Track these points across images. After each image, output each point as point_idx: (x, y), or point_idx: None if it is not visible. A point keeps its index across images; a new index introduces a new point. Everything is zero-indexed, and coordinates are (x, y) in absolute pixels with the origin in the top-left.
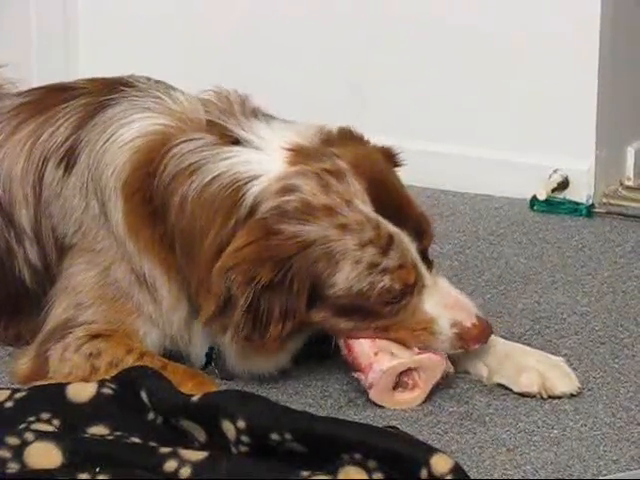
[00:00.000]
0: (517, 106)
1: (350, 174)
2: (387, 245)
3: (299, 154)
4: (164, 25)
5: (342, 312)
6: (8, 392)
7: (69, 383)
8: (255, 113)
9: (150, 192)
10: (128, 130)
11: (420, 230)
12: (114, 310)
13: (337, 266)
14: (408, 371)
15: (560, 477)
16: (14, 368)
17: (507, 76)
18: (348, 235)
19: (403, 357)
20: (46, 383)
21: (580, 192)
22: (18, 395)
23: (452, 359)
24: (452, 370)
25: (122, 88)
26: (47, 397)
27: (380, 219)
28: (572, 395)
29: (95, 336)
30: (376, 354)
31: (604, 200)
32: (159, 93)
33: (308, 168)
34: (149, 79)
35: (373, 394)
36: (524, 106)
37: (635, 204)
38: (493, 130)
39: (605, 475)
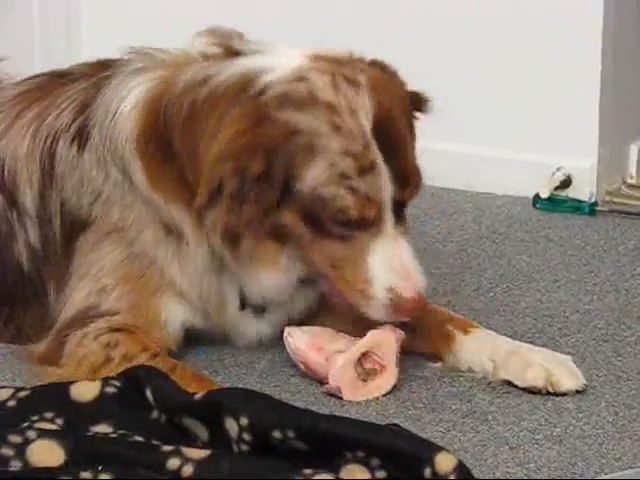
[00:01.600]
0: (520, 104)
1: (365, 90)
2: (366, 168)
3: (320, 57)
4: (167, 24)
5: (305, 217)
6: (11, 391)
7: (73, 383)
8: (250, 40)
9: (160, 135)
10: (128, 99)
11: (406, 180)
12: (138, 291)
13: (313, 161)
14: (365, 357)
15: (563, 475)
16: (31, 350)
17: (510, 74)
18: (336, 137)
19: (348, 347)
20: (49, 383)
21: (583, 190)
22: (21, 394)
23: (457, 355)
24: (403, 334)
25: (112, 65)
26: (50, 397)
27: (373, 143)
28: (577, 392)
29: (116, 329)
30: (327, 360)
31: (607, 198)
32: (143, 56)
33: (327, 66)
34: (134, 49)
35: (345, 395)
36: (527, 104)
37: (638, 202)
38: (495, 128)
39: (607, 473)
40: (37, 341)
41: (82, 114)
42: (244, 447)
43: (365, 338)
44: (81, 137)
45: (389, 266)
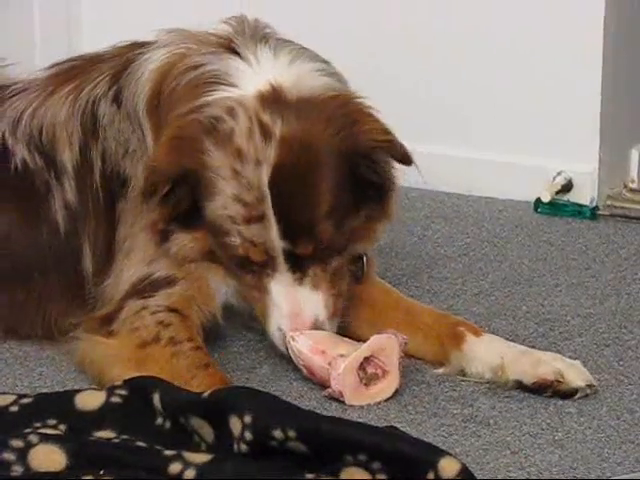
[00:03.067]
0: (521, 109)
1: (275, 142)
2: (254, 219)
3: (265, 96)
4: (167, 23)
5: (218, 242)
6: (14, 397)
7: (78, 392)
8: (265, 38)
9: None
10: (153, 63)
11: (298, 236)
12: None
13: (211, 197)
14: (367, 362)
15: (564, 479)
16: (89, 316)
17: (511, 79)
18: (233, 182)
19: (350, 351)
20: (53, 392)
21: (584, 194)
22: (24, 401)
23: (467, 355)
24: (406, 339)
25: (147, 44)
26: (54, 404)
27: (267, 196)
28: (581, 396)
29: (173, 309)
30: (329, 364)
31: (608, 202)
32: (172, 33)
33: (255, 107)
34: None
35: (348, 399)
36: (528, 109)
37: (639, 206)
38: (497, 133)
39: (609, 477)
40: (68, 328)
41: (116, 83)
42: (243, 447)
43: (368, 343)
44: (118, 100)
45: (278, 308)
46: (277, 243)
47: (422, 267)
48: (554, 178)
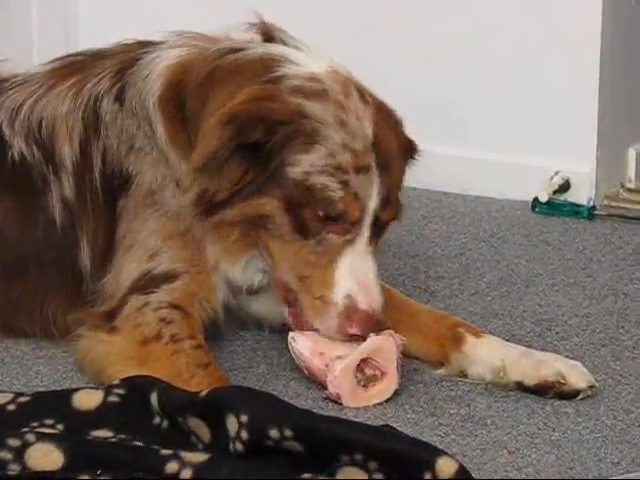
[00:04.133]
0: (518, 108)
1: (371, 108)
2: (363, 169)
3: (340, 71)
4: (165, 22)
5: (288, 207)
6: (11, 395)
7: (76, 391)
8: (294, 38)
9: (183, 95)
10: (165, 61)
11: (389, 201)
12: (187, 246)
13: (312, 147)
14: (365, 363)
15: (561, 479)
16: (90, 311)
17: (509, 79)
18: (341, 131)
19: (347, 353)
20: (50, 390)
21: (581, 194)
22: (21, 399)
23: (467, 356)
24: (404, 340)
25: (153, 43)
26: (51, 403)
27: (372, 149)
28: (587, 396)
29: (175, 306)
30: (327, 366)
31: (605, 202)
32: (183, 35)
33: (343, 78)
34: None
35: (345, 401)
36: (526, 108)
37: (636, 206)
38: (494, 132)
39: (606, 477)
40: (67, 321)
41: (120, 80)
42: (239, 446)
43: (365, 344)
44: (121, 97)
45: (354, 275)
46: (374, 201)
47: (419, 266)
48: (551, 178)
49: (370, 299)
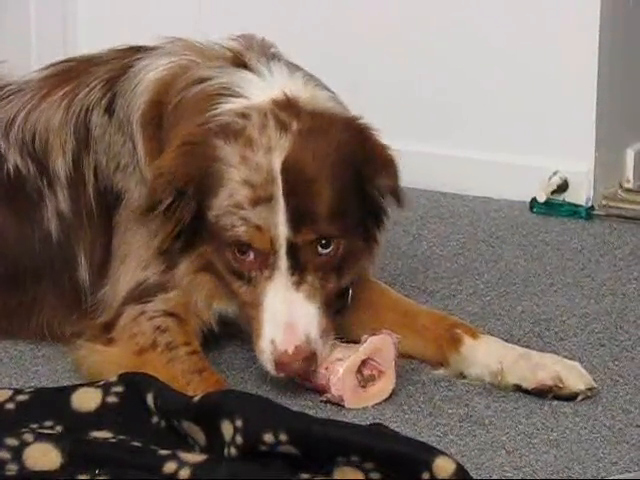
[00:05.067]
0: (517, 109)
1: (291, 134)
2: (261, 200)
3: (283, 100)
4: (163, 23)
5: (218, 252)
6: (9, 393)
7: (74, 390)
8: (275, 56)
9: (163, 116)
10: (153, 72)
11: (302, 221)
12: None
13: (218, 190)
14: (364, 364)
15: (559, 479)
16: (88, 323)
17: (506, 78)
18: (241, 168)
19: (348, 354)
20: (49, 387)
21: (579, 194)
22: (20, 398)
23: (465, 358)
24: (399, 338)
25: (142, 50)
26: (50, 404)
27: (278, 179)
28: (587, 397)
29: (170, 314)
30: (327, 369)
31: (603, 202)
32: (175, 42)
33: (269, 107)
34: (168, 37)
35: (347, 403)
36: (524, 108)
37: (634, 206)
38: (492, 132)
39: (604, 477)
40: (63, 330)
41: (110, 89)
42: (233, 451)
43: (365, 345)
44: (110, 109)
45: (273, 316)
46: (282, 229)
47: (417, 267)
48: (550, 178)
49: (290, 339)
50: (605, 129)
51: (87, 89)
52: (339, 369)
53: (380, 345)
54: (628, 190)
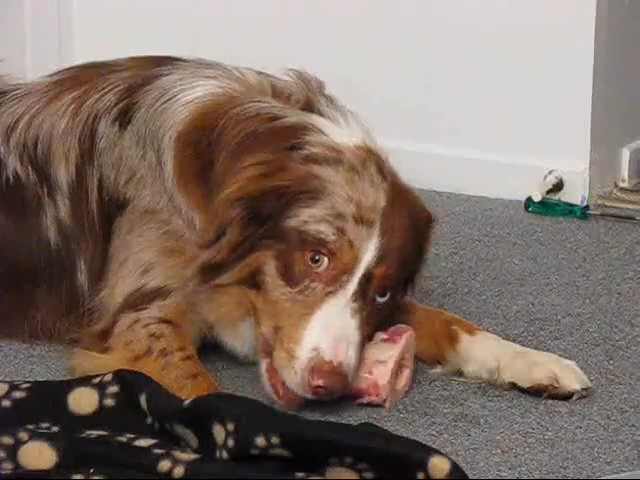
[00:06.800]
0: (512, 108)
1: (386, 184)
2: (364, 222)
3: (367, 148)
4: (158, 25)
5: (278, 256)
6: (6, 387)
7: (71, 390)
8: (333, 100)
9: (203, 146)
10: (191, 92)
11: (383, 260)
12: (181, 264)
13: (315, 202)
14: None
15: (554, 478)
16: (86, 330)
17: (502, 78)
18: (350, 188)
19: (387, 355)
20: (46, 384)
21: (575, 194)
22: (17, 395)
23: (462, 355)
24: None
25: (172, 62)
26: (47, 404)
27: (379, 216)
28: (582, 396)
29: (165, 320)
30: (370, 373)
31: (599, 202)
32: (222, 66)
33: (369, 151)
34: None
35: (389, 403)
36: (519, 108)
37: (629, 206)
38: (488, 132)
39: (599, 476)
40: (59, 331)
41: (128, 97)
42: (225, 454)
43: (401, 343)
44: (124, 118)
45: (326, 327)
46: (369, 255)
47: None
48: (545, 177)
49: (337, 352)
50: (600, 129)
51: (97, 95)
52: (384, 372)
53: (410, 342)
54: (623, 189)
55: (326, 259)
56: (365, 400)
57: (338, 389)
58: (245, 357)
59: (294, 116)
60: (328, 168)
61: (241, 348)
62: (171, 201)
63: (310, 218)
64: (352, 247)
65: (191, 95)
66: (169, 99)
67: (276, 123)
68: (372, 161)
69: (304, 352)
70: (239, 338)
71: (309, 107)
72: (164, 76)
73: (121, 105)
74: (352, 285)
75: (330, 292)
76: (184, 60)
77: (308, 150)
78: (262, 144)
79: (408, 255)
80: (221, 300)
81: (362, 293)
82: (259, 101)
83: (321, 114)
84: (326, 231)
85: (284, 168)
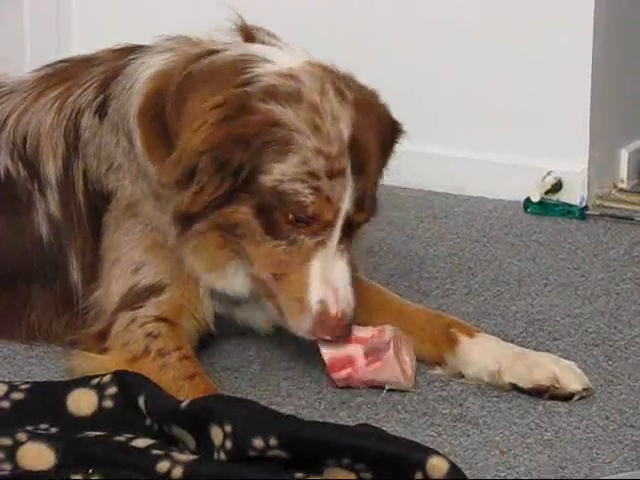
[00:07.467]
0: (511, 108)
1: (348, 104)
2: (336, 173)
3: (317, 64)
4: (157, 21)
5: (259, 212)
6: (5, 388)
7: (70, 391)
8: (275, 35)
9: (159, 108)
10: (150, 69)
11: (362, 202)
12: (170, 258)
13: (284, 156)
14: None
15: (553, 479)
16: (84, 332)
17: (500, 78)
18: (315, 136)
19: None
20: (45, 385)
21: (574, 194)
22: (15, 395)
23: (462, 358)
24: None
25: (140, 49)
26: (46, 406)
27: (347, 152)
28: (582, 397)
29: (162, 319)
30: (397, 357)
31: (597, 202)
32: (171, 39)
33: (319, 72)
34: (164, 36)
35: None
36: (518, 108)
37: (628, 206)
38: (487, 132)
39: (598, 477)
40: (55, 330)
41: (104, 91)
42: (223, 456)
43: (392, 328)
44: (102, 110)
45: (326, 279)
46: (347, 204)
47: (411, 267)
48: (544, 178)
49: (342, 305)
50: (599, 129)
51: (79, 90)
52: (406, 356)
53: (397, 333)
54: (622, 190)
55: (308, 217)
56: (392, 386)
57: (346, 332)
58: (242, 297)
59: (236, 48)
60: (289, 110)
61: (232, 289)
62: (147, 178)
63: (283, 176)
64: (330, 203)
65: (148, 71)
66: (132, 84)
67: (213, 58)
68: (329, 81)
69: (313, 303)
70: (229, 281)
71: (251, 39)
72: (131, 64)
73: (99, 99)
74: (337, 233)
75: (319, 242)
76: (150, 45)
77: (263, 82)
78: (207, 79)
79: (379, 175)
80: (201, 246)
81: (346, 237)
82: (199, 49)
83: (264, 43)
84: (303, 192)
85: (245, 108)
